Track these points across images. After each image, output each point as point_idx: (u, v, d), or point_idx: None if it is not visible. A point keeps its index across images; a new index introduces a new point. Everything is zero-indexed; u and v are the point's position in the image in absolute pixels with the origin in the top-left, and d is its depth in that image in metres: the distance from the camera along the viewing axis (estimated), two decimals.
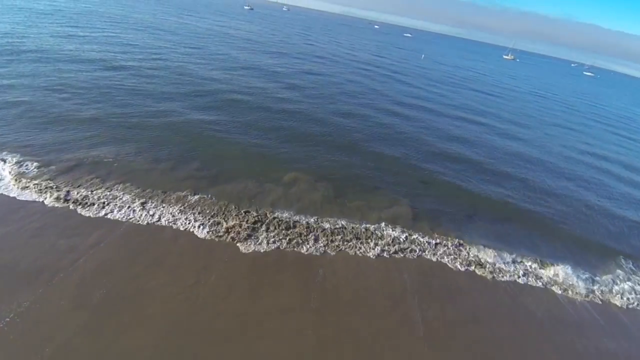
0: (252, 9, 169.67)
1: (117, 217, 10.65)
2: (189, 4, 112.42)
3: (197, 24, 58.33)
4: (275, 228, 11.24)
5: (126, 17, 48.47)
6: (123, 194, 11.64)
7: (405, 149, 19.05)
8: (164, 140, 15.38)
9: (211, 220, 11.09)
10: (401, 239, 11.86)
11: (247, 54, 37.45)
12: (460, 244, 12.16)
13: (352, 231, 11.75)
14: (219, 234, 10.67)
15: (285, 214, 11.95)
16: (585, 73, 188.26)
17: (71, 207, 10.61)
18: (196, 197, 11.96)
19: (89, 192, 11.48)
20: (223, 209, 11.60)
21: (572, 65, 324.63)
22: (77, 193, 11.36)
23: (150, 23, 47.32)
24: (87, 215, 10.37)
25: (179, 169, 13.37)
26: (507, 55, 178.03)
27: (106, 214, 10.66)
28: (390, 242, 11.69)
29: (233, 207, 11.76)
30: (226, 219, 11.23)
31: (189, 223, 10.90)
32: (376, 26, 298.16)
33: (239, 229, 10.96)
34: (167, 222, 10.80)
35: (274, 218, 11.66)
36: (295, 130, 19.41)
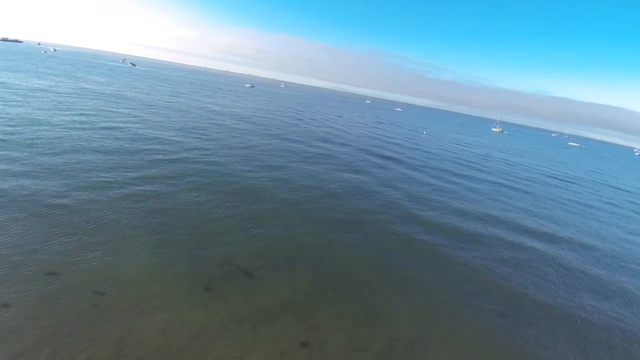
0: (252, 86, 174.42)
1: None
2: (196, 85, 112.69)
3: (206, 105, 53.83)
4: None
5: (123, 98, 43.20)
6: None
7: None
8: None
9: None
10: None
11: (261, 155, 29.32)
12: None
13: None
14: None
15: None
16: (570, 144, 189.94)
17: None
18: None
19: None
20: None
21: (553, 135, 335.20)
22: None
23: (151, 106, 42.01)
24: None
25: None
26: (496, 128, 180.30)
27: None
28: None
29: None
30: None
31: None
32: (368, 101, 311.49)
33: None
34: None
35: None
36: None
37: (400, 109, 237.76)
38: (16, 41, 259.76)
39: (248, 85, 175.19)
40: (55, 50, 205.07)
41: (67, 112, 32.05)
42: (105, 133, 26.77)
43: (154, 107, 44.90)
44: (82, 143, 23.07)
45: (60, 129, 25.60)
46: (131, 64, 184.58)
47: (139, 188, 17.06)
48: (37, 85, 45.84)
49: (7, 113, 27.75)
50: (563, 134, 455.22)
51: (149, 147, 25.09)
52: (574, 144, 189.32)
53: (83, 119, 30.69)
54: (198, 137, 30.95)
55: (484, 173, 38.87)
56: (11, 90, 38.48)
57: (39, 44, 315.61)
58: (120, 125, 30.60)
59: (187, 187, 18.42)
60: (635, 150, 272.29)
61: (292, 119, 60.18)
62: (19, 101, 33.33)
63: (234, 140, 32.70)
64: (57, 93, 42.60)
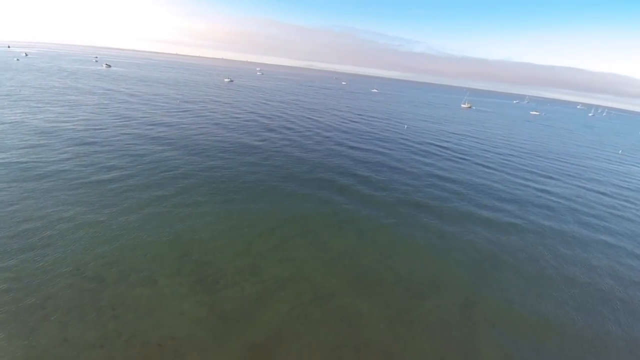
0: (231, 80, 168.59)
1: None
2: (170, 84, 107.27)
3: (195, 140, 51.25)
4: None
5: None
6: None
7: None
8: None
9: None
10: None
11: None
12: None
13: None
14: None
15: None
16: (532, 113, 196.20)
17: None
18: None
19: None
20: None
21: (515, 102, 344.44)
22: None
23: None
24: None
25: None
26: (465, 104, 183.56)
27: None
28: None
29: None
30: None
31: None
32: (343, 82, 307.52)
33: None
34: None
35: None
36: None
37: (376, 90, 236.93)
38: None
39: (227, 79, 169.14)
40: (26, 55, 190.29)
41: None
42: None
43: (147, 160, 42.29)
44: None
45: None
46: (106, 65, 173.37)
47: None
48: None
49: None
50: (524, 98, 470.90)
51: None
52: (535, 113, 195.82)
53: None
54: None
55: (472, 190, 40.05)
56: None
57: (9, 47, 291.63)
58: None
59: None
60: (589, 113, 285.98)
61: (283, 138, 59.26)
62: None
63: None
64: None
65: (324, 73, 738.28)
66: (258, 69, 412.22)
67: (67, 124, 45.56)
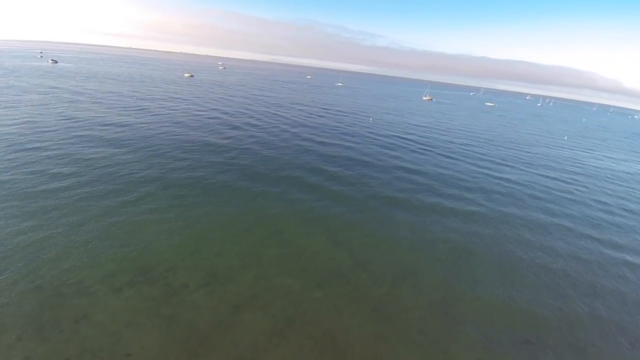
0: (192, 75, 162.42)
1: None
2: (124, 79, 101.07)
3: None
4: None
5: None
6: None
7: None
8: None
9: None
10: None
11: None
12: None
13: None
14: None
15: None
16: (487, 104, 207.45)
17: None
18: None
19: None
20: None
21: (471, 94, 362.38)
22: None
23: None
24: None
25: None
26: (426, 97, 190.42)
27: None
28: None
29: None
30: None
31: None
32: (308, 76, 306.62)
33: None
34: None
35: None
36: None
37: (340, 84, 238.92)
38: None
39: (187, 74, 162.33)
40: None
41: None
42: None
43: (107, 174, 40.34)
44: None
45: None
46: (52, 60, 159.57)
47: None
48: None
49: None
50: (479, 90, 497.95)
51: None
52: (490, 104, 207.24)
53: None
54: None
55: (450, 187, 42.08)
56: None
57: None
58: None
59: None
60: (538, 104, 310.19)
61: (249, 136, 58.26)
62: None
63: None
64: None
65: (288, 67, 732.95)
66: (220, 63, 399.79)
67: (10, 127, 41.75)
